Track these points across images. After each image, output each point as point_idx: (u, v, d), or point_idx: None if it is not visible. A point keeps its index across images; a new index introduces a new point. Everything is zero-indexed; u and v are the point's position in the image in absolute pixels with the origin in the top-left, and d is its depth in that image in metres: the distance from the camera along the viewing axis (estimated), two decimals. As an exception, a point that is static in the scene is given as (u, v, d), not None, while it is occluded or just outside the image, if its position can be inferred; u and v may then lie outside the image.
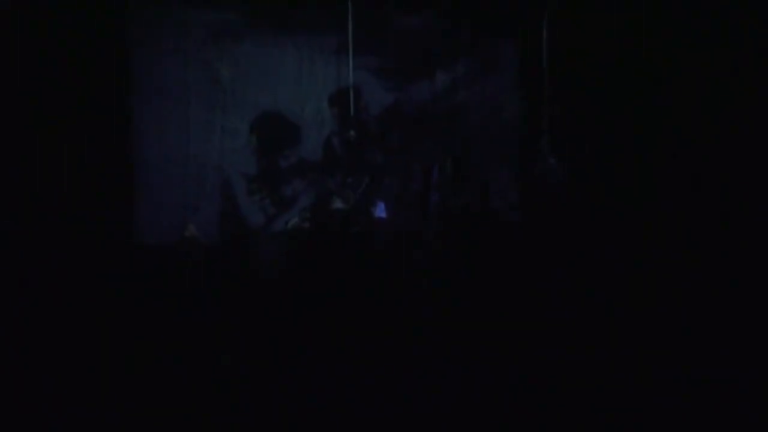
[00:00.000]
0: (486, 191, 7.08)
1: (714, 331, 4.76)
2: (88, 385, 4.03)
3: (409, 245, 6.40)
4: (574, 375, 4.19)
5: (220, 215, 6.56)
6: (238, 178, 6.64)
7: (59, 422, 3.59)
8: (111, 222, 5.85)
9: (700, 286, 5.35)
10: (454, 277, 5.88)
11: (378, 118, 7.07)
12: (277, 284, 5.78)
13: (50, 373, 4.23)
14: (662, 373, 4.21)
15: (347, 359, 4.58)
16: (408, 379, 4.24)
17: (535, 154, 5.81)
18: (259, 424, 3.64)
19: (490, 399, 3.90)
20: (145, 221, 6.28)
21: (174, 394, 3.96)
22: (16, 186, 5.42)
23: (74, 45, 5.75)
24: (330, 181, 6.86)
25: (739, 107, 5.60)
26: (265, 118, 6.70)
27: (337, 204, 6.48)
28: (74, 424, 3.58)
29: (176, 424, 3.61)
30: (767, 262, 5.25)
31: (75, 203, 5.65)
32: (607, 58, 6.40)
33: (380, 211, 6.61)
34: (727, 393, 3.84)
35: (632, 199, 6.20)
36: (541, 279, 5.87)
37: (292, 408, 3.81)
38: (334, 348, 4.76)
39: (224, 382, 4.17)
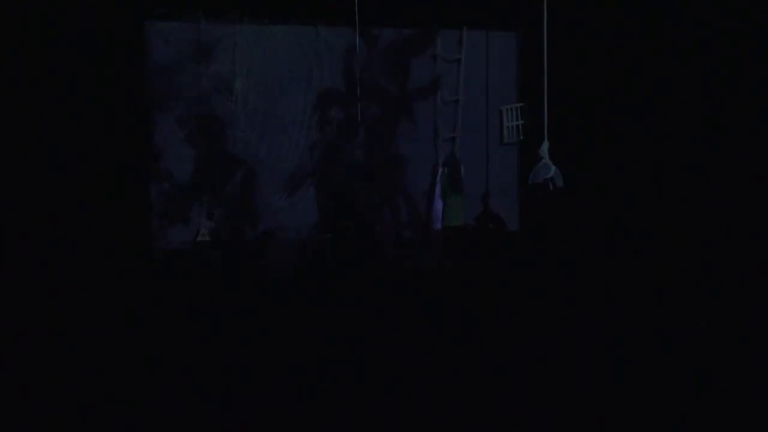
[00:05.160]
0: (486, 197, 7.23)
1: (717, 333, 4.80)
2: (106, 384, 4.15)
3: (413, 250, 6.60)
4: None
5: (232, 220, 6.80)
6: (251, 184, 6.90)
7: (74, 420, 3.71)
8: (130, 228, 6.08)
9: (701, 286, 5.37)
10: (456, 281, 6.01)
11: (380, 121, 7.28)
12: (289, 285, 5.93)
13: (71, 369, 4.35)
14: (664, 372, 4.28)
15: (354, 359, 4.66)
16: (412, 379, 4.32)
17: (535, 160, 5.84)
18: (264, 421, 3.75)
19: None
20: (161, 227, 6.63)
21: (187, 391, 4.07)
22: (48, 198, 5.70)
23: (98, 69, 6.05)
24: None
25: (744, 109, 5.59)
26: (274, 129, 6.98)
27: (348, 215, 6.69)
28: (89, 422, 3.70)
29: (184, 421, 3.72)
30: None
31: (98, 213, 5.88)
32: (608, 57, 6.44)
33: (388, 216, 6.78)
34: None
35: (633, 203, 6.22)
36: (542, 283, 5.94)
37: (295, 407, 3.91)
38: (340, 348, 4.84)
39: (236, 379, 4.28)
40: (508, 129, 7.32)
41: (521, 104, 7.26)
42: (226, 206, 6.80)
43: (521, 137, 7.24)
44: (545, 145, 5.71)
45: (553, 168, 5.74)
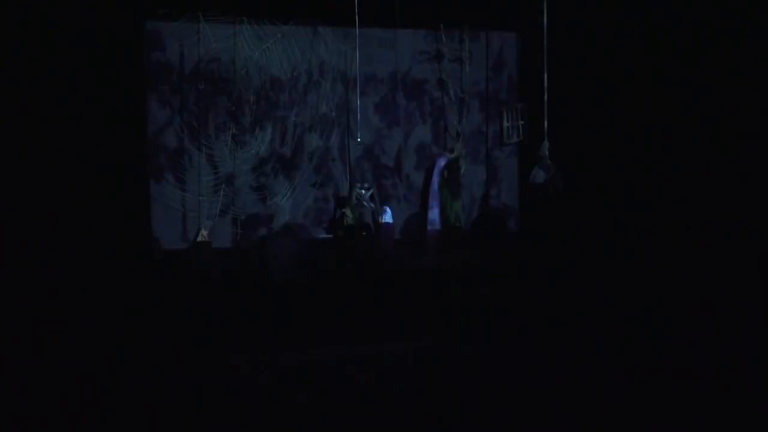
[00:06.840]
0: (486, 197, 7.24)
1: (714, 333, 4.82)
2: (106, 384, 4.16)
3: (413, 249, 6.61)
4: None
5: (232, 221, 6.80)
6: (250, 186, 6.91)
7: (74, 420, 3.72)
8: (131, 229, 6.11)
9: (699, 287, 5.38)
10: (456, 281, 6.02)
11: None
12: (290, 285, 5.96)
13: (72, 368, 4.36)
14: (658, 370, 4.29)
15: (354, 359, 4.67)
16: (416, 382, 4.34)
17: (535, 160, 5.85)
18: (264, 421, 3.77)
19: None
20: (161, 228, 6.62)
21: (187, 391, 4.09)
22: (49, 199, 5.73)
23: (98, 69, 6.04)
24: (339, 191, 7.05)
25: (745, 109, 5.60)
26: (275, 131, 6.98)
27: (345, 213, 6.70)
28: (88, 421, 3.71)
29: (182, 420, 3.74)
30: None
31: (98, 213, 5.90)
32: (608, 57, 6.44)
33: (387, 216, 6.78)
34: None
35: (633, 204, 6.23)
36: (542, 283, 5.95)
37: (295, 406, 3.93)
38: (339, 348, 4.85)
39: (237, 378, 4.30)
40: (508, 130, 7.30)
41: (521, 104, 7.25)
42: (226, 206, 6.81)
43: (520, 137, 7.16)
44: (545, 145, 5.72)
45: (553, 168, 5.76)
